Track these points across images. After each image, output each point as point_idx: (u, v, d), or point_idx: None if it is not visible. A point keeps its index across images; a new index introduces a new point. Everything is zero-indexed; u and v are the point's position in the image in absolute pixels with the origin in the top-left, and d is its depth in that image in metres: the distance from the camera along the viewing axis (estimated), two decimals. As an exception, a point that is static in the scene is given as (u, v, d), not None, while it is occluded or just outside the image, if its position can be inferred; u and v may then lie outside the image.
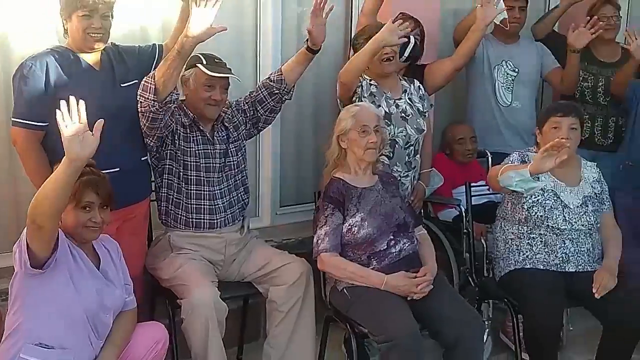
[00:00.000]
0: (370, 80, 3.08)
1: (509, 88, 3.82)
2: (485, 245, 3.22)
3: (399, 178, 3.05)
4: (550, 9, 4.12)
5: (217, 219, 2.81)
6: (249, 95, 2.94)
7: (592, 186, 2.95)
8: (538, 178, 2.71)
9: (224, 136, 2.86)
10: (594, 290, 2.70)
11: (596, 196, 2.94)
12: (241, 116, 2.92)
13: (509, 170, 2.71)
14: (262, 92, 2.90)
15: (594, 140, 3.87)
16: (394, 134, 3.07)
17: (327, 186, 2.74)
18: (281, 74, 2.87)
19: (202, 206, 2.79)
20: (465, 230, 3.22)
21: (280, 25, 3.45)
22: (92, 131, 1.97)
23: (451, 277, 3.32)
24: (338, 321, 2.73)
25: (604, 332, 2.77)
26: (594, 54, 3.89)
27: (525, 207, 2.87)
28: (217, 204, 2.81)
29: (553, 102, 3.10)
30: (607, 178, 3.49)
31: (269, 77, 2.91)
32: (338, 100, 3.07)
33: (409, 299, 2.57)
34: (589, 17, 3.66)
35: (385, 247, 2.66)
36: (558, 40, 3.83)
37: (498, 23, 3.58)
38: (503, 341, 3.33)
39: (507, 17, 3.58)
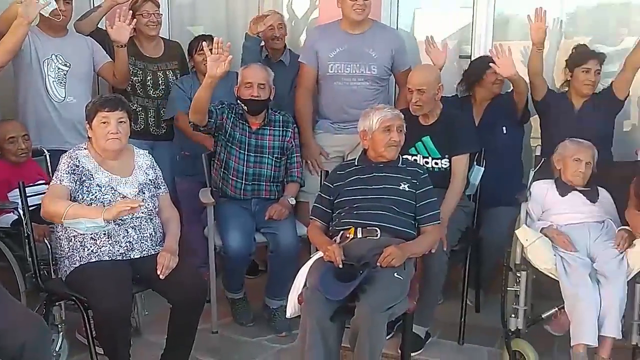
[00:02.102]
0: None
1: (61, 83, 3.73)
2: (49, 247, 3.09)
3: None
4: (94, 5, 4.14)
5: None
6: None
7: (146, 173, 3.05)
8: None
9: None
10: (158, 272, 2.82)
11: (151, 182, 3.06)
12: None
13: (78, 214, 2.69)
14: None
15: (149, 131, 4.07)
16: None
17: None
18: None
19: None
20: (25, 234, 3.03)
21: None
22: None
23: (17, 286, 3.12)
24: None
25: (171, 310, 2.91)
26: (140, 50, 4.06)
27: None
28: None
29: (99, 96, 3.12)
30: (167, 165, 3.73)
31: None
32: None
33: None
34: (131, 12, 3.80)
35: None
36: (106, 37, 3.87)
37: (47, 15, 3.45)
38: (81, 341, 3.26)
39: (56, 7, 3.48)
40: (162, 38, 4.21)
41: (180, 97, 3.90)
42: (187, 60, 4.15)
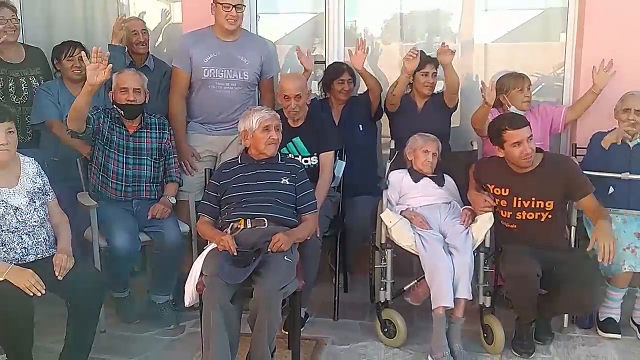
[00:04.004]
0: None
1: None
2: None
3: None
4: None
5: None
6: None
7: (33, 181, 3.08)
8: None
9: None
10: (56, 273, 2.88)
11: (40, 190, 3.09)
12: None
13: None
14: None
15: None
16: None
17: None
18: None
19: None
20: None
21: None
22: None
23: None
24: None
25: (70, 310, 2.97)
26: (0, 57, 3.97)
27: None
28: None
29: None
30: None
31: None
32: None
33: None
34: None
35: None
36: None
37: None
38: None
39: None
40: (21, 44, 4.14)
41: (48, 103, 3.88)
42: (53, 65, 4.12)
